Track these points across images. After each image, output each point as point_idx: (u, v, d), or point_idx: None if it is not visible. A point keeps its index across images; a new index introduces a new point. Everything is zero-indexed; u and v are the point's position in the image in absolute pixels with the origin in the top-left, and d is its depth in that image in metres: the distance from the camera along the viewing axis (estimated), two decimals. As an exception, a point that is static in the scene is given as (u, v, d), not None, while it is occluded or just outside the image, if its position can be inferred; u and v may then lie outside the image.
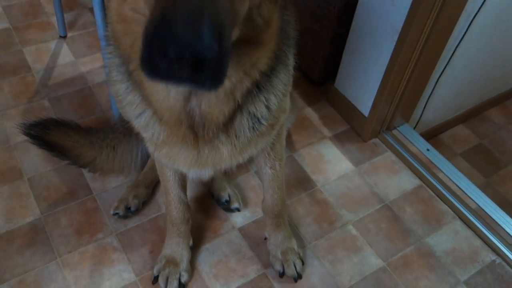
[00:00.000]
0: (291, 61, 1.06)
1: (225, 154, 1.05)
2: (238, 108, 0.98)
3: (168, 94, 0.89)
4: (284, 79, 1.04)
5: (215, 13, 0.58)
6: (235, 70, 0.85)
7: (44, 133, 1.53)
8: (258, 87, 0.98)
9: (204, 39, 0.54)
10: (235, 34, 0.72)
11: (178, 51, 0.54)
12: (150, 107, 0.98)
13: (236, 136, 1.03)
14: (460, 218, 1.75)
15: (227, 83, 0.86)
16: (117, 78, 1.00)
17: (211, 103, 0.91)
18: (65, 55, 2.22)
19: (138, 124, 1.04)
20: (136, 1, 0.74)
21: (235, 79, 0.87)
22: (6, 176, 1.71)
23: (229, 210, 1.68)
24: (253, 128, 1.03)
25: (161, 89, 0.88)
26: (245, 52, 0.83)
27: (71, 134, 1.57)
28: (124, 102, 1.02)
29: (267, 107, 1.02)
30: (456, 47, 1.82)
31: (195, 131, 0.98)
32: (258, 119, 1.03)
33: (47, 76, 2.10)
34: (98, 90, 2.06)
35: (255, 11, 0.76)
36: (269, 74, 0.97)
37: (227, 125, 1.00)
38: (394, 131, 2.02)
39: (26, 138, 1.64)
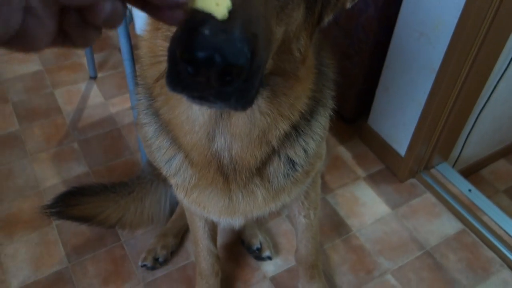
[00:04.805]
0: (330, 103, 1.00)
1: (259, 199, 0.99)
2: (275, 152, 0.93)
3: (193, 127, 0.83)
4: (324, 122, 0.99)
5: (248, 19, 0.52)
6: (270, 108, 0.80)
7: (66, 209, 1.49)
8: (297, 131, 0.93)
9: (235, 42, 0.48)
10: (269, 64, 0.69)
11: (206, 52, 0.47)
12: (181, 150, 0.93)
13: (269, 181, 0.97)
14: (509, 266, 1.62)
15: (261, 122, 0.81)
16: (146, 121, 0.97)
17: (243, 146, 0.85)
18: (95, 96, 2.23)
19: (168, 169, 0.99)
20: (170, 28, 0.71)
21: (270, 119, 0.82)
22: (36, 222, 1.69)
23: (260, 258, 1.61)
24: (287, 174, 0.98)
25: (186, 121, 0.83)
26: (282, 91, 0.79)
27: (95, 200, 1.52)
28: (153, 146, 0.98)
29: (305, 151, 0.96)
30: (497, 82, 1.73)
31: (226, 175, 0.93)
32: (294, 165, 0.97)
33: (77, 118, 2.11)
34: (126, 132, 2.05)
35: (294, 44, 0.73)
36: (308, 118, 0.92)
37: (260, 169, 0.94)
38: (433, 171, 1.92)
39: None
